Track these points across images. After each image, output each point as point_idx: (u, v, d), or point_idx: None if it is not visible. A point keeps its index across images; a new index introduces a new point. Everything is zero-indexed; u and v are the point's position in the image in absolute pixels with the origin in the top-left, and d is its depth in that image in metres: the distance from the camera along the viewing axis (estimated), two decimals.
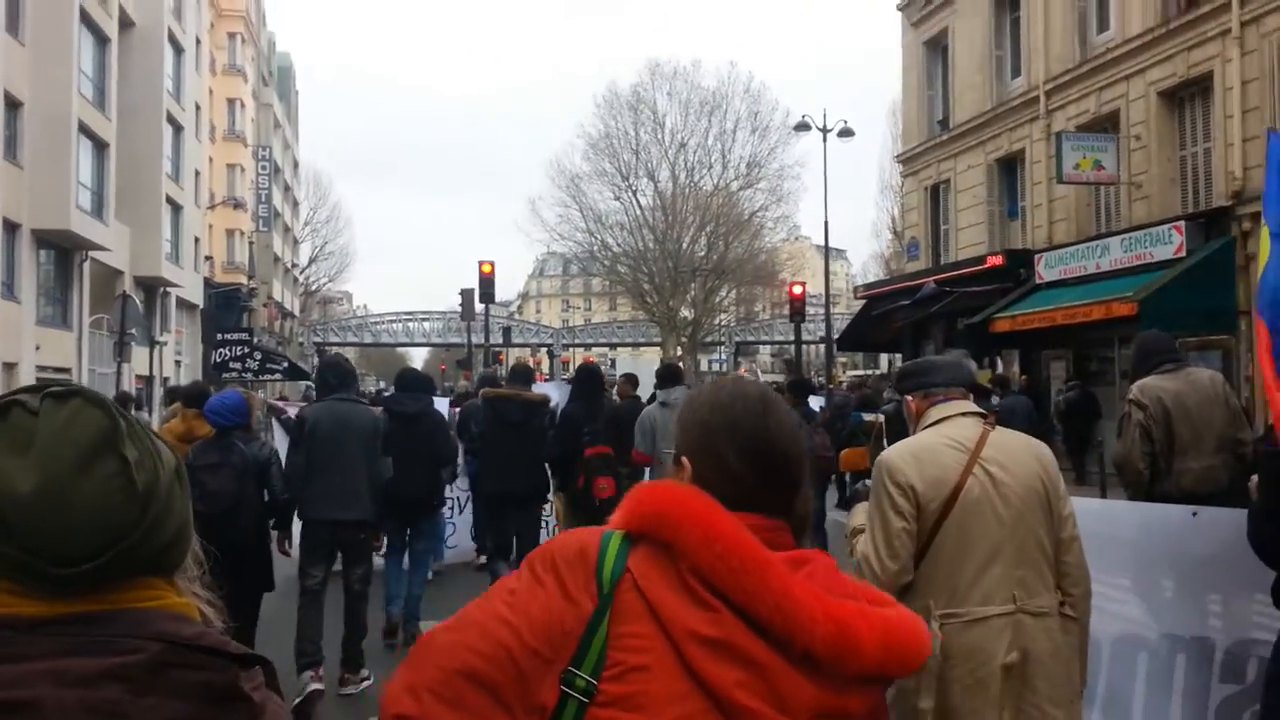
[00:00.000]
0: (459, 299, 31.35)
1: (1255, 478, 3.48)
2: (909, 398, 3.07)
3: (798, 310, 24.67)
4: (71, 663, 1.00)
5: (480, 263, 24.44)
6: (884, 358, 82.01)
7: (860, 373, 65.98)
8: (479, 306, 26.76)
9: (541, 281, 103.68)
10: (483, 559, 9.40)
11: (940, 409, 2.92)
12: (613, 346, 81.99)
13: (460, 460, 8.27)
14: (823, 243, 75.78)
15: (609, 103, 51.34)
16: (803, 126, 29.22)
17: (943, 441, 2.81)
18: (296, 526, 6.34)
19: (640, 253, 52.48)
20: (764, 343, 78.80)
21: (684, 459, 1.48)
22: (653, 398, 9.33)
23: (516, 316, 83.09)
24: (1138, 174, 17.74)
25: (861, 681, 1.30)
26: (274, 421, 9.79)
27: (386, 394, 9.74)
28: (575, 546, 1.37)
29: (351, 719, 5.66)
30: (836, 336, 28.47)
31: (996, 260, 20.24)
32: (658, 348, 71.47)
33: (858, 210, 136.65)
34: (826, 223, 29.71)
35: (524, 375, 8.45)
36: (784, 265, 62.64)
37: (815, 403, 12.44)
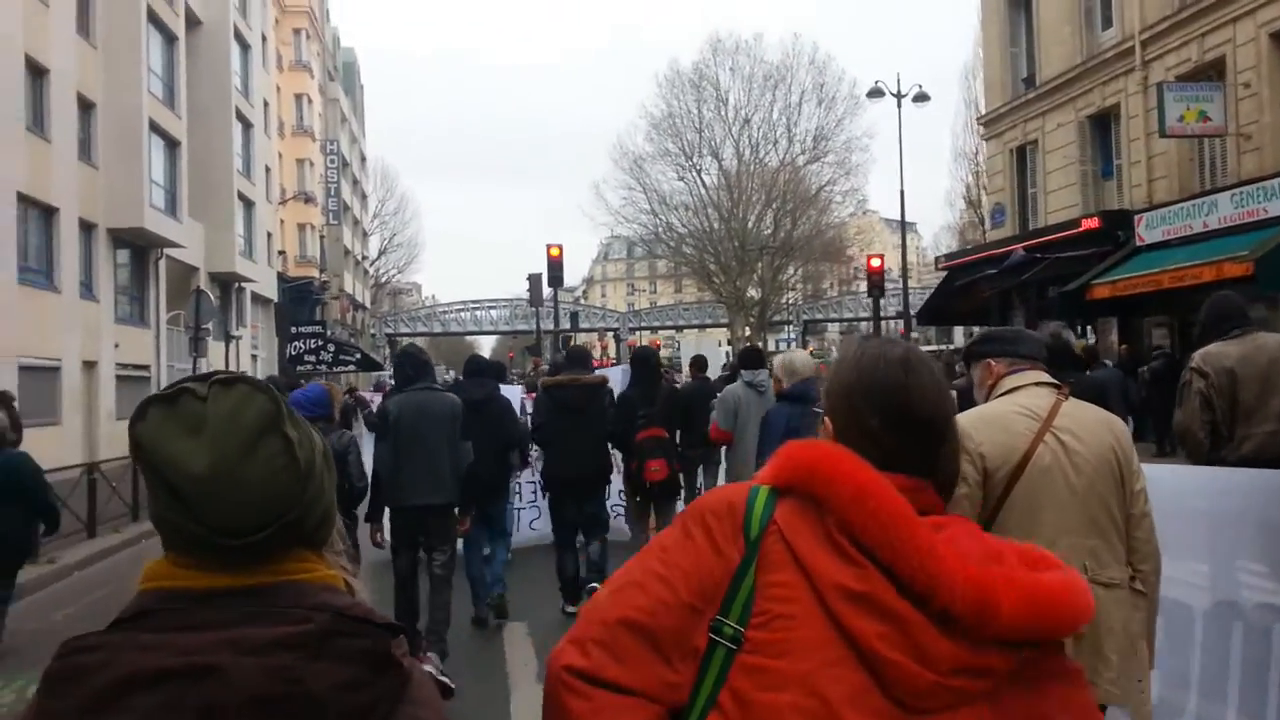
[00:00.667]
0: (526, 285, 30.90)
1: None
2: (990, 361, 3.04)
3: (876, 284, 23.71)
4: (247, 632, 1.09)
5: (548, 246, 23.93)
6: (958, 332, 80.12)
7: (933, 348, 64.39)
8: (546, 291, 26.28)
9: (606, 265, 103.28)
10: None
11: (1014, 379, 2.93)
12: (679, 329, 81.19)
13: (534, 446, 8.30)
14: (892, 216, 73.78)
15: (670, 81, 50.53)
16: (876, 93, 28.17)
17: (1014, 409, 2.81)
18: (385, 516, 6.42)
19: (706, 233, 51.64)
20: (832, 320, 77.44)
21: (826, 419, 1.52)
22: (730, 378, 9.07)
23: (582, 301, 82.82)
24: (1247, 124, 16.49)
25: (1006, 643, 1.30)
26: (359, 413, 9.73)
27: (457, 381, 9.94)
28: (724, 501, 1.43)
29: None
30: (915, 311, 27.40)
31: (1092, 223, 19.10)
32: (724, 328, 70.71)
33: (928, 181, 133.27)
34: (902, 192, 28.57)
35: (581, 359, 8.22)
36: (852, 240, 61.28)
37: None
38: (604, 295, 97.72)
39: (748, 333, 54.35)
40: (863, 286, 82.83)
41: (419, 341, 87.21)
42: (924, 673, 1.28)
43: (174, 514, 1.15)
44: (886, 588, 1.31)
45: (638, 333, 75.80)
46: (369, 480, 6.29)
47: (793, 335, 65.33)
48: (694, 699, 1.34)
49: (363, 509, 6.48)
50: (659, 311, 77.92)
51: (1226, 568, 3.38)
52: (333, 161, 46.51)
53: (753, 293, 53.04)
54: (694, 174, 51.66)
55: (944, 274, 25.43)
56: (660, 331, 77.19)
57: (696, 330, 76.80)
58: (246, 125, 34.79)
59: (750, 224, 51.65)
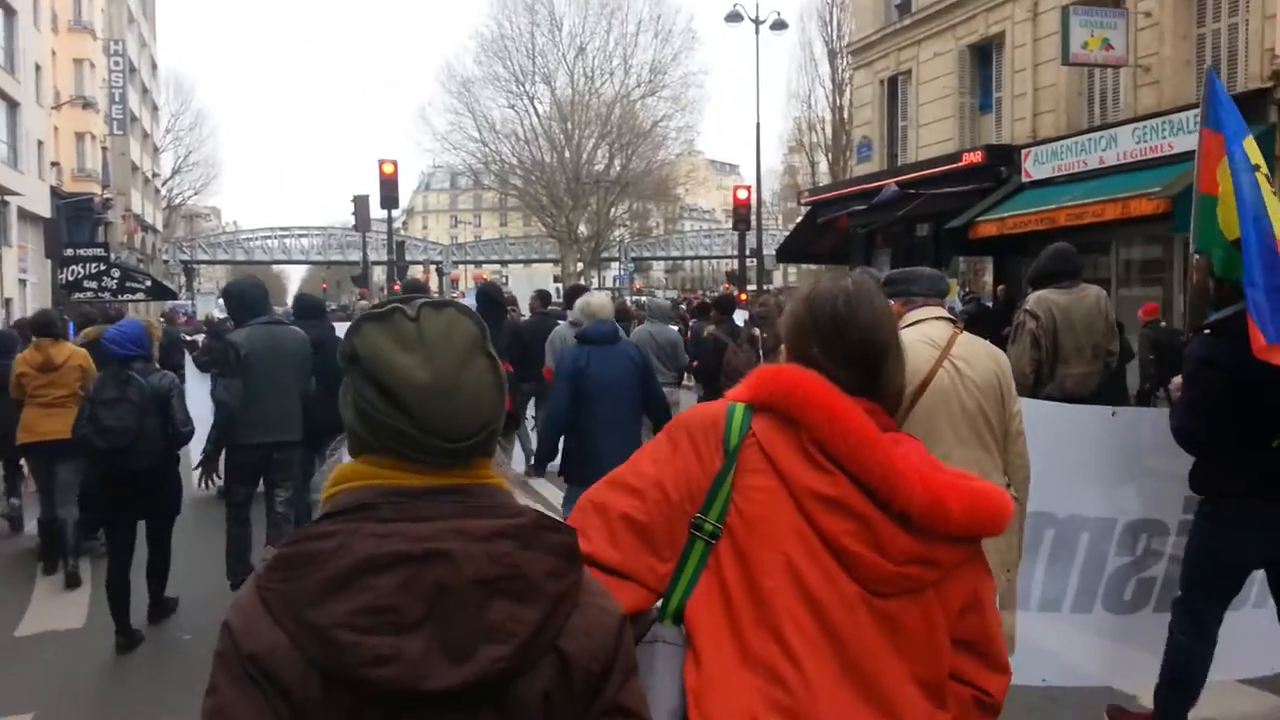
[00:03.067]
0: (351, 208, 27.54)
1: (1178, 378, 3.82)
2: (891, 301, 2.92)
3: (743, 217, 21.91)
4: (469, 523, 1.20)
5: (380, 162, 20.87)
6: (780, 274, 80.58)
7: (752, 287, 64.40)
8: (378, 213, 23.20)
9: (428, 196, 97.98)
10: None
11: (915, 313, 3.25)
12: (504, 263, 78.26)
13: None
14: (716, 157, 72.45)
15: (503, 1, 47.35)
16: (734, 17, 26.19)
17: (919, 339, 3.09)
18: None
19: (537, 164, 49.08)
20: (659, 258, 76.36)
21: (782, 347, 1.76)
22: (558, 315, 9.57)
23: (402, 232, 78.24)
24: (1146, 56, 15.49)
25: (952, 539, 1.57)
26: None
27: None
28: (705, 415, 1.66)
29: None
30: (774, 249, 25.97)
31: (975, 157, 17.90)
32: (550, 264, 68.42)
33: (753, 123, 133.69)
34: (759, 125, 27.24)
35: (419, 293, 7.45)
36: (681, 179, 60.09)
37: (739, 318, 11.18)
38: (425, 227, 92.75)
39: (579, 268, 52.42)
40: (688, 226, 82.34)
41: (219, 270, 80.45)
42: (883, 563, 1.55)
43: (392, 420, 1.22)
44: (854, 493, 1.55)
45: (460, 266, 72.37)
46: (193, 425, 5.78)
47: (621, 272, 63.83)
48: (674, 584, 1.60)
49: (192, 453, 6.20)
50: (484, 245, 74.54)
51: (1044, 486, 3.58)
52: (117, 64, 40.53)
53: (584, 228, 50.98)
54: (526, 101, 48.94)
55: (806, 210, 24.02)
56: (485, 266, 73.90)
57: (522, 265, 74.14)
58: (8, 11, 29.37)
59: (584, 157, 49.47)
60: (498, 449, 1.32)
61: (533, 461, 6.10)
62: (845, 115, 43.06)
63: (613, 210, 52.62)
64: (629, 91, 49.54)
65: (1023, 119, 18.10)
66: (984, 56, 19.62)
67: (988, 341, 3.31)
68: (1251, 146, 3.63)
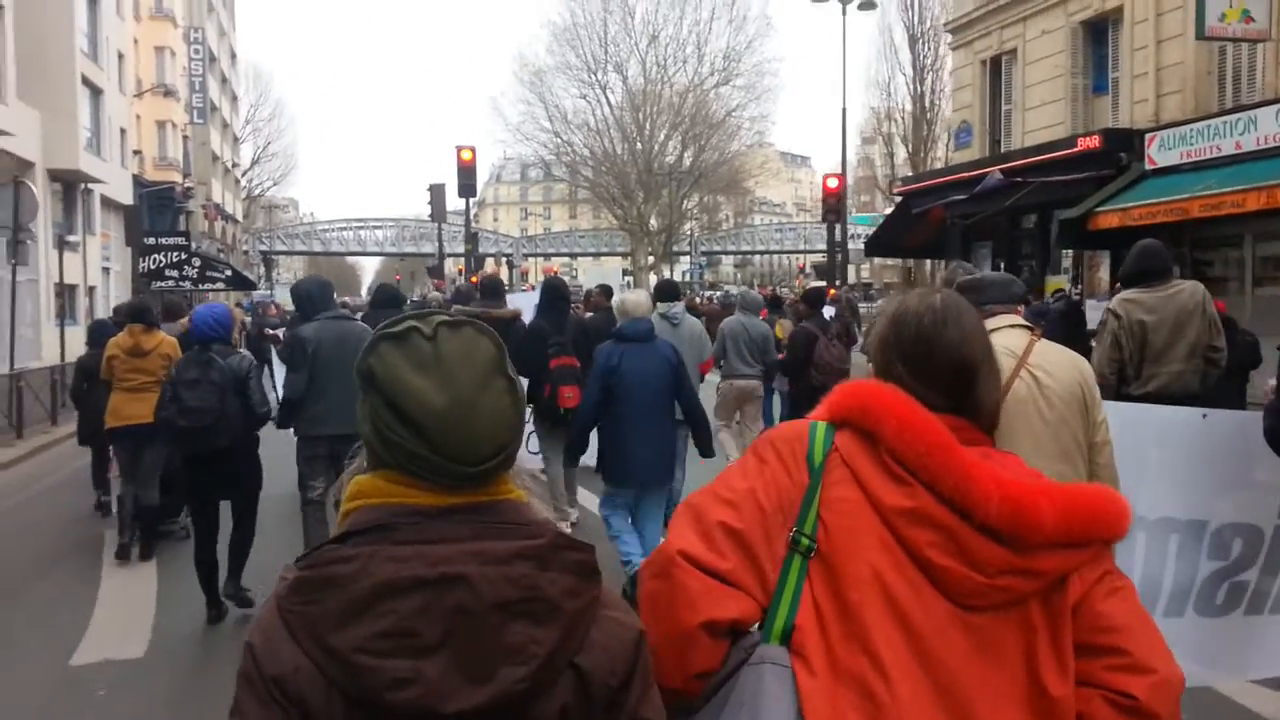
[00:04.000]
0: (427, 199, 26.99)
1: (1273, 380, 3.87)
2: None
3: (833, 208, 20.73)
4: (486, 545, 1.19)
5: (458, 149, 20.15)
6: (865, 268, 78.64)
7: (820, 283, 62.70)
8: (453, 203, 22.51)
9: (499, 189, 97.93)
10: None
11: (992, 321, 3.03)
12: (574, 256, 77.77)
13: None
14: (786, 149, 70.75)
15: None
16: None
17: (995, 349, 2.59)
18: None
19: (610, 155, 48.31)
20: (729, 252, 75.14)
21: (870, 366, 1.75)
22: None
23: (474, 224, 78.26)
24: None
25: (1060, 546, 1.49)
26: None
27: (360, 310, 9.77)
28: (791, 432, 1.66)
29: None
30: (853, 241, 24.71)
31: (1091, 142, 16.54)
32: (619, 257, 67.62)
33: (824, 113, 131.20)
34: (844, 110, 25.82)
35: (495, 290, 8.18)
36: (749, 172, 58.82)
37: (828, 312, 11.25)
38: (496, 219, 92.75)
39: (650, 260, 51.59)
40: (758, 219, 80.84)
41: (298, 260, 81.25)
42: (973, 575, 1.49)
43: (408, 442, 1.21)
44: (934, 504, 1.51)
45: (530, 259, 72.02)
46: (270, 407, 5.93)
47: (692, 266, 62.97)
48: (776, 602, 1.55)
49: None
50: (554, 238, 74.00)
51: (1134, 489, 3.35)
52: (197, 52, 40.68)
53: (654, 221, 50.10)
54: (598, 90, 48.23)
55: (898, 200, 22.78)
56: (555, 259, 73.45)
57: (592, 258, 73.49)
58: None
59: (655, 148, 48.60)
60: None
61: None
62: (927, 103, 41.62)
63: (685, 202, 51.68)
64: (702, 80, 48.62)
65: (1144, 101, 16.70)
66: (1098, 34, 18.20)
67: (1068, 349, 3.25)
68: None
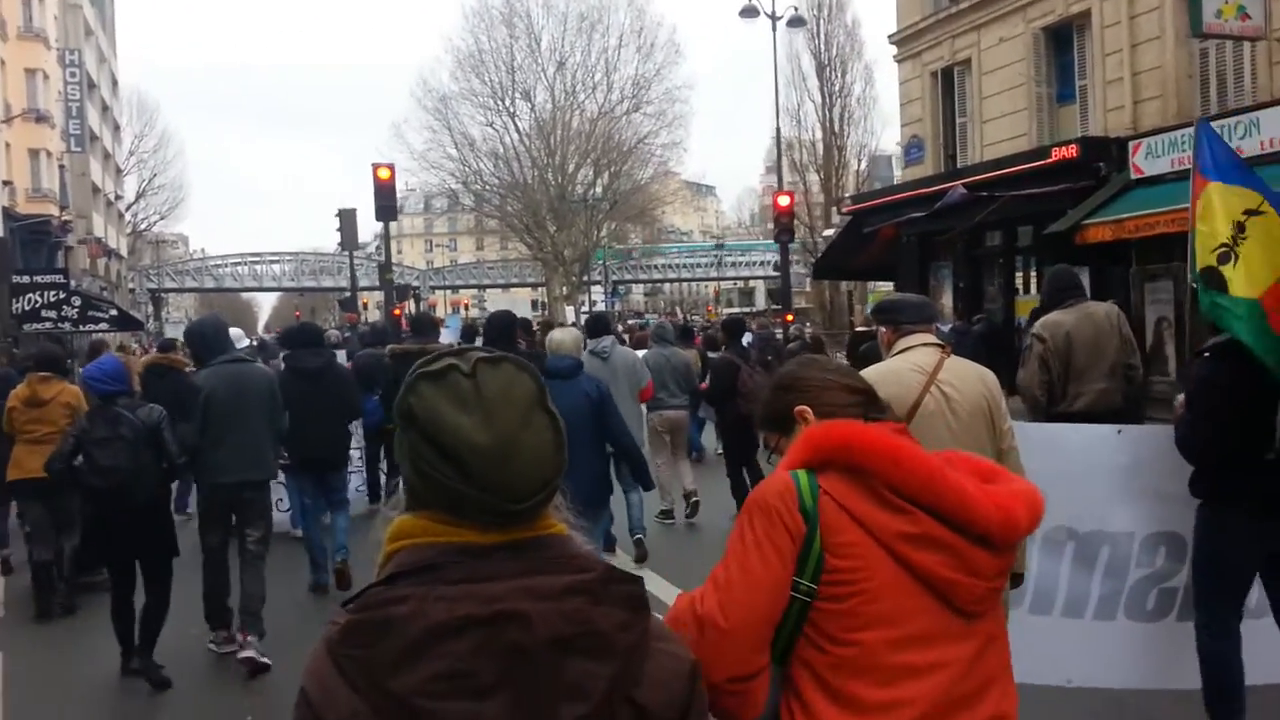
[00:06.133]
0: (337, 223, 24.49)
1: (1181, 395, 3.96)
2: (881, 329, 3.55)
3: (785, 227, 19.08)
4: (538, 581, 1.16)
5: (375, 167, 17.84)
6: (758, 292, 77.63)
7: (735, 310, 61.67)
8: (367, 227, 20.13)
9: (402, 220, 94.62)
10: (375, 505, 9.42)
11: (904, 340, 3.38)
12: (482, 288, 75.33)
13: None
14: (690, 179, 70.05)
15: (479, 14, 44.97)
16: (750, 11, 23.61)
17: (907, 365, 3.29)
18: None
19: (524, 184, 46.50)
20: (640, 280, 73.74)
21: (803, 410, 1.88)
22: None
23: (374, 257, 75.11)
24: None
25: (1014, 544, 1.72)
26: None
27: (281, 350, 9.05)
28: (775, 488, 1.69)
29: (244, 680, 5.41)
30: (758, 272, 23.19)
31: (1067, 152, 15.22)
32: (529, 288, 65.48)
33: (727, 143, 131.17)
34: (779, 129, 24.35)
35: (428, 326, 8.61)
36: (660, 200, 57.64)
37: (745, 340, 11.10)
38: (400, 251, 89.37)
39: (564, 291, 49.79)
40: (669, 245, 79.67)
41: (189, 298, 76.75)
42: (978, 583, 1.64)
43: (452, 480, 1.19)
44: (935, 525, 1.62)
45: (437, 291, 69.27)
46: (186, 457, 5.65)
47: (601, 296, 61.30)
48: (778, 634, 1.65)
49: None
50: (461, 270, 71.42)
51: (1061, 503, 3.50)
52: (73, 75, 37.06)
53: (568, 250, 48.35)
54: (505, 117, 46.34)
55: (846, 220, 21.31)
56: (463, 290, 70.84)
57: (501, 289, 71.19)
58: None
59: (566, 175, 46.96)
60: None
61: None
62: (836, 129, 41.01)
63: (598, 231, 50.15)
64: (612, 107, 47.28)
65: (1119, 108, 15.52)
66: (1061, 40, 17.05)
67: (974, 363, 3.48)
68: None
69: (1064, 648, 3.86)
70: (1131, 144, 14.64)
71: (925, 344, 3.34)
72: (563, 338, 6.15)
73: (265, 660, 5.41)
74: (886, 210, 19.60)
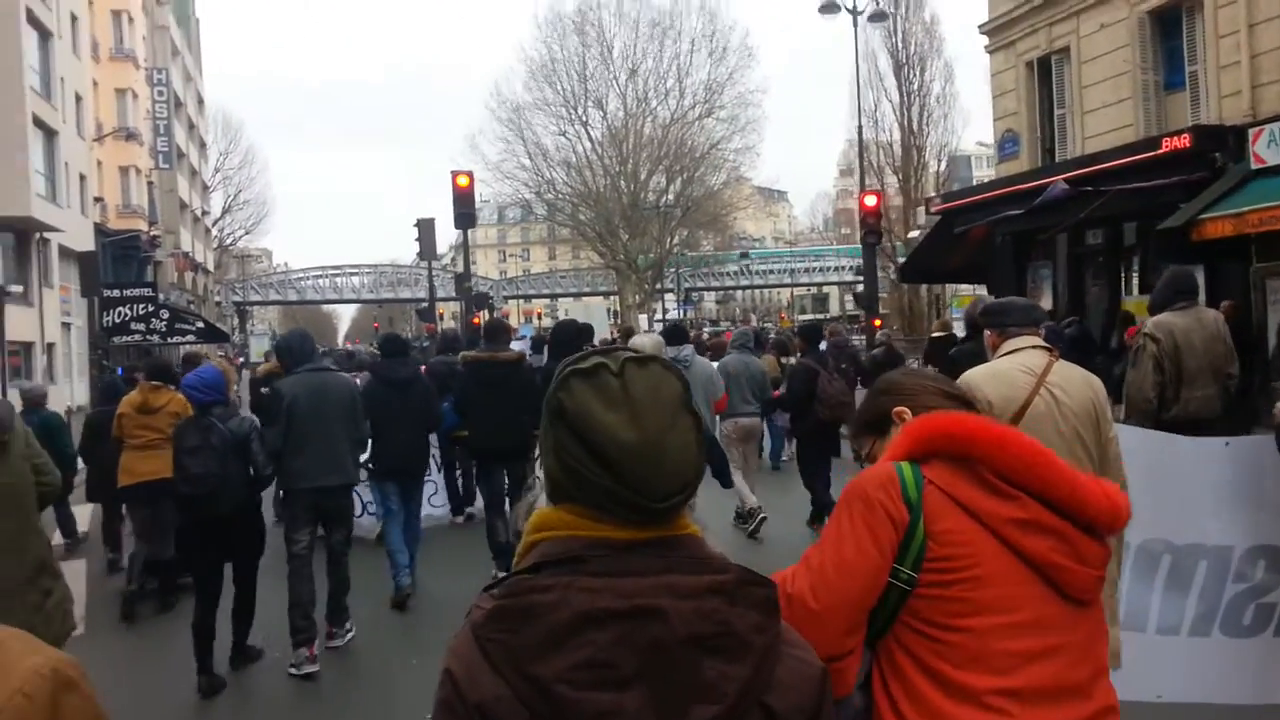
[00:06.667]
0: (415, 233, 24.42)
1: None
2: (987, 332, 3.61)
3: (873, 229, 18.28)
4: (678, 579, 1.18)
5: (454, 174, 17.62)
6: (839, 300, 76.21)
7: (809, 317, 60.63)
8: (444, 238, 19.92)
9: (475, 231, 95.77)
10: (459, 518, 9.58)
11: (1011, 343, 3.41)
12: (554, 297, 75.46)
13: None
14: (761, 184, 69.03)
15: (551, 24, 44.98)
16: (830, 7, 22.86)
17: (1016, 367, 3.30)
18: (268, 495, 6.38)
19: (596, 192, 46.32)
20: (713, 289, 73.09)
21: (901, 410, 1.90)
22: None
23: (450, 268, 75.80)
24: None
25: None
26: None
27: (372, 360, 9.70)
28: (878, 477, 1.68)
29: (336, 669, 5.73)
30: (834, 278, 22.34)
31: (1179, 142, 14.24)
32: (601, 296, 65.34)
33: (802, 149, 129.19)
34: (860, 127, 23.54)
35: (500, 333, 8.12)
36: (733, 206, 57.01)
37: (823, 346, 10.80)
38: (474, 262, 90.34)
39: (638, 299, 49.44)
40: (737, 252, 78.92)
41: (273, 310, 78.43)
42: (1087, 570, 1.63)
43: (599, 477, 1.20)
44: (1043, 512, 1.61)
45: (510, 300, 69.55)
46: (273, 467, 5.83)
47: (686, 303, 60.77)
48: (870, 627, 1.65)
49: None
50: (534, 279, 71.60)
51: (1160, 514, 3.61)
52: (161, 94, 37.99)
53: (642, 258, 48.00)
54: (578, 126, 46.27)
55: (936, 220, 20.44)
56: (535, 300, 71.06)
57: (573, 298, 71.20)
58: (43, 33, 26.79)
59: (640, 181, 46.65)
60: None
61: None
62: (914, 129, 39.90)
63: (673, 238, 49.74)
64: (684, 113, 46.85)
65: (1235, 94, 14.47)
66: (1168, 24, 16.02)
67: (1082, 368, 3.42)
68: None
69: (1156, 663, 3.80)
70: (1251, 132, 13.61)
71: (1033, 346, 3.36)
72: (644, 342, 6.18)
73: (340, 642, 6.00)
74: (978, 209, 18.68)
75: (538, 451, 5.02)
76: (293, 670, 5.61)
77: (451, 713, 1.14)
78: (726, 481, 6.63)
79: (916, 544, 1.60)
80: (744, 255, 68.60)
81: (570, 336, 7.48)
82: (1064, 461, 1.66)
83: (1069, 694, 1.59)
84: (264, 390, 8.97)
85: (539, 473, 1.34)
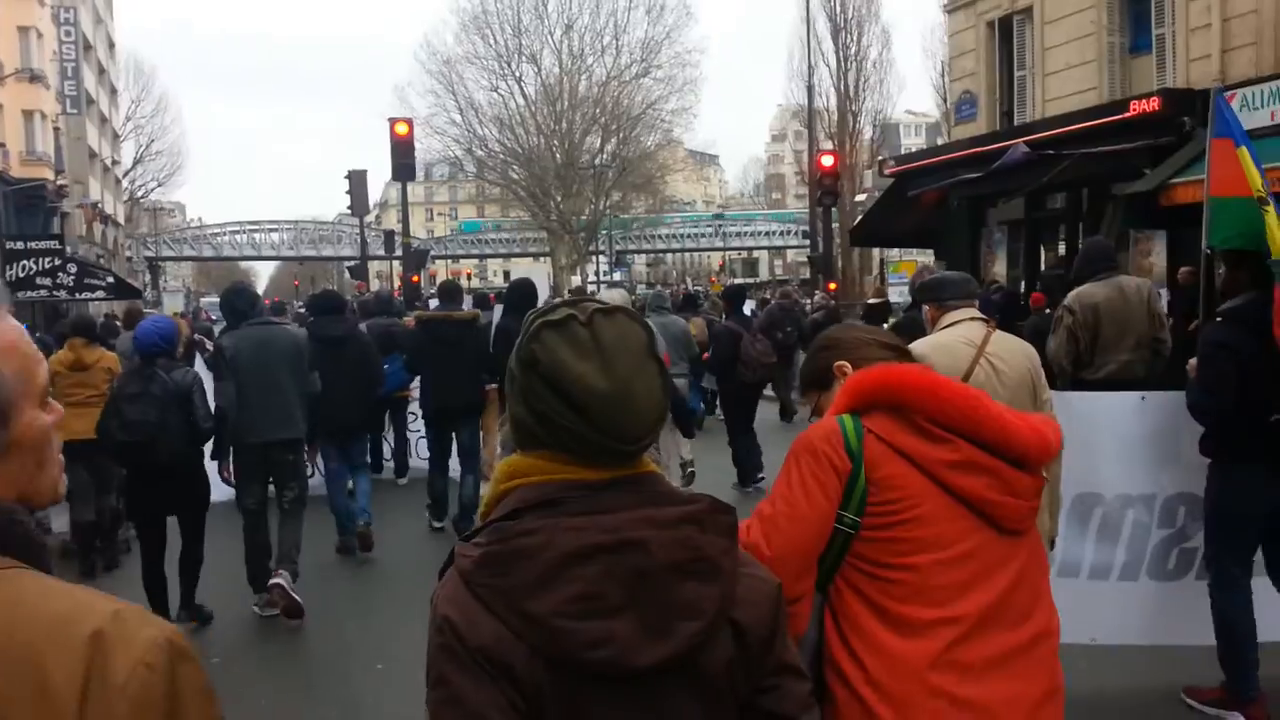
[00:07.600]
0: (342, 185, 23.07)
1: (1193, 360, 4.10)
2: (925, 307, 3.75)
3: (830, 189, 17.66)
4: (653, 511, 1.25)
5: (392, 121, 16.45)
6: (768, 263, 76.12)
7: (739, 280, 60.34)
8: (377, 194, 18.71)
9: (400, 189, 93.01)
10: (402, 480, 9.64)
11: (950, 315, 3.57)
12: (483, 258, 73.84)
13: None
14: (693, 147, 68.20)
15: None
16: None
17: (958, 339, 3.46)
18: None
19: (529, 151, 45.04)
20: (644, 251, 72.29)
21: (841, 365, 1.97)
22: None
23: (375, 227, 73.48)
24: None
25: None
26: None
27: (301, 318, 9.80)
28: (822, 430, 1.78)
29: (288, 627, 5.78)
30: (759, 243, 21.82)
31: (1148, 105, 13.84)
32: (531, 258, 64.05)
33: (728, 113, 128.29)
34: (811, 88, 22.93)
35: (453, 294, 8.32)
36: (668, 168, 56.25)
37: (747, 308, 11.62)
38: (398, 221, 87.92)
39: (572, 260, 48.46)
40: (672, 215, 78.25)
41: (187, 266, 75.21)
42: (1020, 503, 1.74)
43: (572, 424, 1.25)
44: (975, 451, 1.71)
45: (438, 260, 67.72)
46: (214, 422, 5.74)
47: (608, 266, 59.91)
48: (820, 570, 1.75)
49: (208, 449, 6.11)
50: (463, 239, 69.77)
51: (1090, 469, 3.93)
52: (69, 34, 35.33)
53: (573, 219, 46.96)
54: (510, 82, 44.83)
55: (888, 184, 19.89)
56: (464, 260, 69.30)
57: (502, 259, 69.68)
58: None
59: (576, 140, 45.51)
60: None
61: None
62: (850, 94, 39.57)
63: (604, 200, 48.76)
64: (620, 71, 45.74)
65: (1204, 58, 14.15)
66: None
67: (1018, 338, 3.71)
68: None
69: (1089, 608, 3.98)
70: (1225, 94, 13.27)
71: (971, 318, 3.54)
72: (612, 295, 6.09)
73: (297, 598, 5.75)
74: (933, 172, 18.19)
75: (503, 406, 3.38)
76: (256, 609, 5.87)
77: (453, 657, 1.18)
78: (689, 431, 6.81)
79: (859, 490, 1.71)
80: (719, 215, 68.01)
81: (527, 293, 7.51)
82: (995, 403, 1.76)
83: (1007, 619, 1.69)
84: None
85: (505, 414, 1.35)
